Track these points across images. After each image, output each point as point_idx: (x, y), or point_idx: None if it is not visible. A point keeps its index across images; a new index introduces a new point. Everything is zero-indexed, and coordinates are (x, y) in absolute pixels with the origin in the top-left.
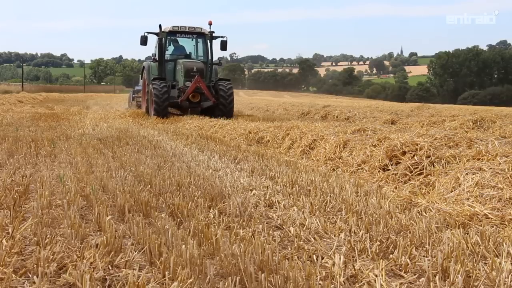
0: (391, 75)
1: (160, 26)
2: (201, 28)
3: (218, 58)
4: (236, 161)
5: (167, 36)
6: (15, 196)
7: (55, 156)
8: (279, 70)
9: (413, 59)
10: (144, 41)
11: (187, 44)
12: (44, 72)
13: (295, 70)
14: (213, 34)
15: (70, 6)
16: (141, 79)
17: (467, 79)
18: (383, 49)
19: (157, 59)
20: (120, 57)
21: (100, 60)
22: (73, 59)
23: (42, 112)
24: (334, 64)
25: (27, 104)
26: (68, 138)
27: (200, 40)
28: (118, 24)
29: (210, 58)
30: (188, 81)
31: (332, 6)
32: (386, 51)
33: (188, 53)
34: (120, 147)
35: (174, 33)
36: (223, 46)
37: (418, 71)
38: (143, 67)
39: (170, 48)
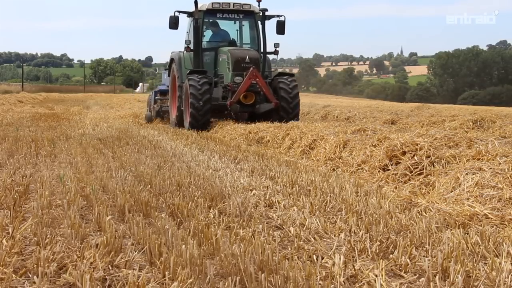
0: (391, 75)
1: (195, 2)
2: (249, 5)
3: (275, 45)
4: (236, 161)
5: (204, 17)
6: (15, 196)
7: (55, 156)
8: (279, 70)
9: (413, 59)
10: (174, 23)
11: (230, 28)
12: (44, 72)
13: (295, 70)
14: (266, 13)
15: (70, 6)
16: (168, 76)
17: (467, 79)
18: (383, 49)
19: (191, 48)
20: (120, 57)
21: (100, 60)
22: (73, 59)
23: (42, 112)
24: (334, 64)
25: (27, 104)
26: (68, 138)
27: (246, 22)
28: (118, 24)
29: (263, 45)
30: (239, 76)
31: (332, 6)
32: (386, 51)
33: (231, 39)
34: (120, 147)
35: (214, 12)
36: (280, 28)
37: (418, 71)
38: (171, 59)
39: (207, 34)
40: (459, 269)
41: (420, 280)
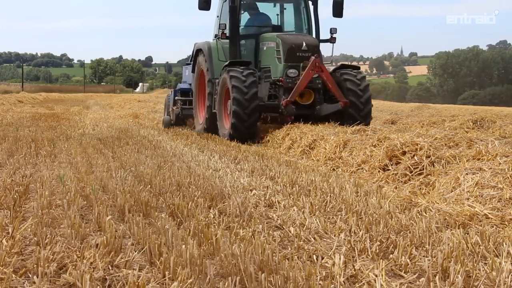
0: (391, 75)
1: None
2: None
3: (331, 31)
4: (236, 161)
5: None
6: (15, 196)
7: (55, 156)
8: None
9: (413, 59)
10: (205, 2)
11: (270, 11)
12: (44, 72)
13: None
14: None
15: (70, 6)
16: (192, 72)
17: (467, 79)
18: (383, 49)
19: (227, 34)
20: (120, 57)
21: (100, 60)
22: (73, 59)
23: (42, 112)
24: (334, 64)
25: (27, 104)
26: (68, 138)
27: (290, 5)
28: (118, 24)
29: (315, 30)
30: (293, 69)
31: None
32: (386, 51)
33: (276, 24)
34: (120, 147)
35: None
36: (338, 9)
37: (418, 71)
38: (197, 51)
39: (243, 18)
40: (459, 269)
41: (420, 280)
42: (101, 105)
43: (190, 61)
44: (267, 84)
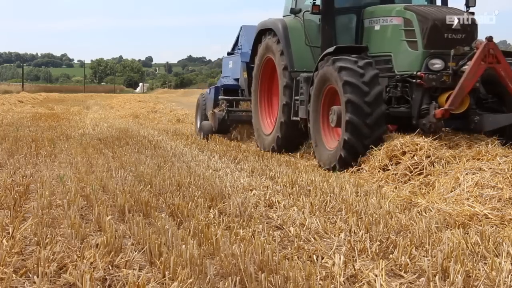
0: None
1: None
2: None
3: (468, 2)
4: (236, 161)
5: None
6: (15, 196)
7: (55, 156)
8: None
9: None
10: None
11: None
12: (44, 72)
13: None
14: None
15: (70, 6)
16: (250, 62)
17: None
18: None
19: (320, 8)
20: (120, 57)
21: (100, 60)
22: (73, 59)
23: (42, 112)
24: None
25: (27, 104)
26: (68, 138)
27: None
28: (118, 24)
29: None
30: (438, 59)
31: None
32: None
33: None
34: (120, 147)
35: None
36: None
37: None
38: (263, 31)
39: None
40: (459, 269)
41: (420, 280)
42: (101, 105)
43: (232, 50)
44: (383, 81)
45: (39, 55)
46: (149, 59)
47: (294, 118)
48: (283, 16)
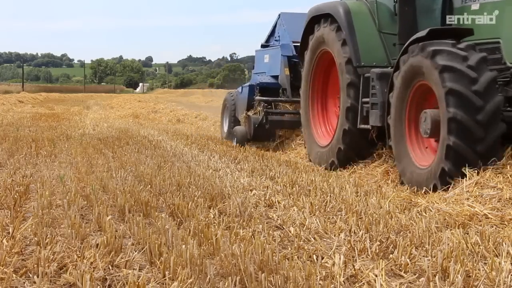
0: None
1: None
2: None
3: None
4: (236, 161)
5: None
6: (15, 196)
7: (56, 156)
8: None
9: None
10: None
11: None
12: (44, 72)
13: None
14: None
15: (70, 6)
16: (282, 65)
17: None
18: None
19: None
20: (120, 57)
21: (101, 60)
22: (73, 59)
23: (42, 112)
24: None
25: (27, 104)
26: (69, 138)
27: None
28: (118, 24)
29: None
30: None
31: None
32: None
33: None
34: (120, 147)
35: None
36: None
37: None
38: (317, 17)
39: None
40: (459, 269)
41: (420, 280)
42: (101, 105)
43: (267, 41)
44: (494, 73)
45: (39, 55)
46: (149, 59)
47: (362, 126)
48: None
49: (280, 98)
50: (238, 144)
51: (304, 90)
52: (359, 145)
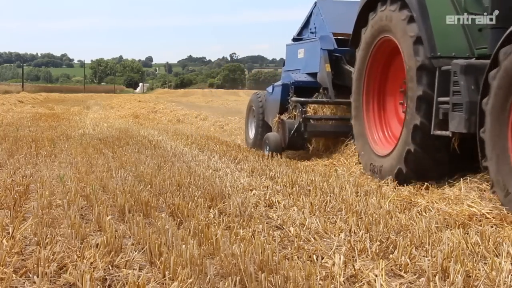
0: None
1: None
2: None
3: None
4: (236, 161)
5: None
6: (15, 196)
7: (55, 156)
8: (279, 70)
9: None
10: None
11: None
12: (44, 72)
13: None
14: None
15: (70, 6)
16: (322, 60)
17: None
18: None
19: None
20: (120, 57)
21: (101, 60)
22: (73, 59)
23: (42, 112)
24: None
25: (27, 104)
26: (69, 138)
27: None
28: (118, 24)
29: None
30: None
31: None
32: None
33: None
34: (120, 147)
35: None
36: None
37: None
38: (379, 1)
39: None
40: (459, 269)
41: (420, 280)
42: (101, 105)
43: (299, 34)
44: None
45: (39, 55)
46: (149, 59)
47: (438, 133)
48: None
49: (321, 99)
50: (270, 153)
51: (356, 88)
52: (434, 156)
